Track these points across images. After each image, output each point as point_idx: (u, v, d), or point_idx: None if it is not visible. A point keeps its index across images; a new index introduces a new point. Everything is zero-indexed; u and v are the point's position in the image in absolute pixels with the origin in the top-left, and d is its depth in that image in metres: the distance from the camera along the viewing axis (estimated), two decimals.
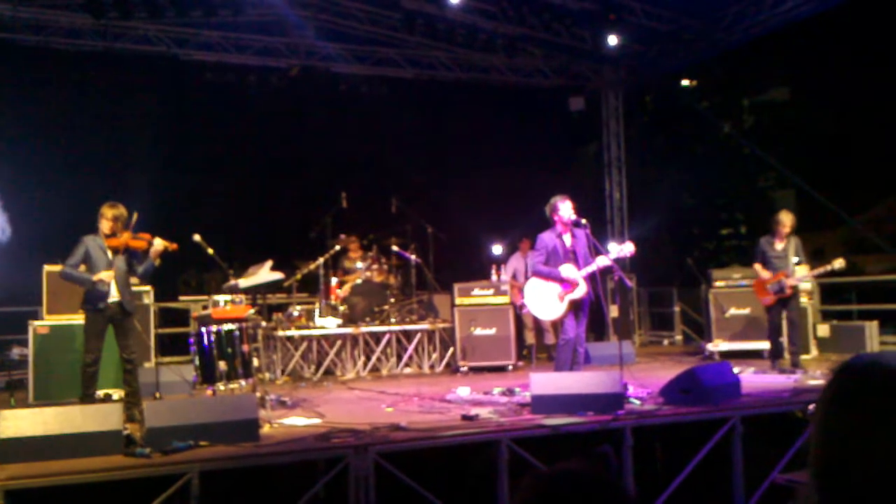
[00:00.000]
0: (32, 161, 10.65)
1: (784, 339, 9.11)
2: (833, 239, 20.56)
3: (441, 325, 10.42)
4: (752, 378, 8.14)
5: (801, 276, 9.06)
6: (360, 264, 10.53)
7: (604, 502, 1.34)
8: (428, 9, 11.68)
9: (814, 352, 10.40)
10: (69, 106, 10.95)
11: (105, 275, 6.70)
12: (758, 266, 8.98)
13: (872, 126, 18.83)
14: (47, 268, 8.46)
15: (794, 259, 8.88)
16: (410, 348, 10.25)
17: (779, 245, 8.92)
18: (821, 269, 8.86)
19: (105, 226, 6.79)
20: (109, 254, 6.82)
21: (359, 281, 10.43)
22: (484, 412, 6.44)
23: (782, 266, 8.84)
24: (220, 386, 6.96)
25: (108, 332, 6.82)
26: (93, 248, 6.75)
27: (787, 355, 9.07)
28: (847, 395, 1.28)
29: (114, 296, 6.74)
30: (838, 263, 8.61)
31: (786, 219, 8.86)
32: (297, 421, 6.48)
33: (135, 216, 6.87)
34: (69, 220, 8.12)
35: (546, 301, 7.36)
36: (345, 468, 5.16)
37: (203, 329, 7.08)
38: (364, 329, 10.07)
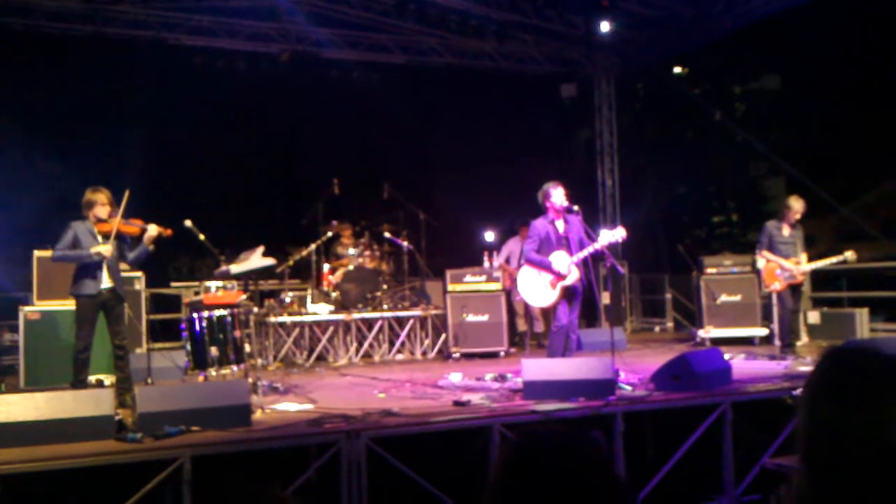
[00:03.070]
0: (21, 146, 10.58)
1: (776, 326, 9.12)
2: (824, 227, 20.62)
3: (433, 312, 10.43)
4: (742, 364, 8.17)
5: (816, 265, 8.81)
6: (352, 250, 10.50)
7: (578, 454, 1.36)
8: None
9: (804, 338, 10.43)
10: (58, 91, 10.84)
11: (103, 248, 6.57)
12: (767, 253, 8.77)
13: (863, 114, 18.87)
14: (37, 253, 8.40)
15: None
16: (402, 335, 10.26)
17: (787, 231, 8.78)
18: (833, 259, 8.73)
19: (102, 211, 6.64)
20: (100, 239, 6.71)
21: (351, 267, 10.41)
22: (476, 398, 6.45)
23: (790, 252, 8.69)
24: (212, 371, 6.97)
25: (99, 318, 6.77)
26: (82, 233, 6.63)
27: (777, 342, 9.11)
28: (833, 380, 1.29)
29: (106, 282, 6.67)
30: (850, 255, 8.58)
31: (796, 204, 8.69)
32: (289, 406, 6.50)
33: (126, 194, 6.76)
34: (58, 206, 8.07)
35: (538, 288, 7.36)
36: (337, 453, 5.17)
37: (195, 315, 7.07)
38: (356, 315, 10.07)
